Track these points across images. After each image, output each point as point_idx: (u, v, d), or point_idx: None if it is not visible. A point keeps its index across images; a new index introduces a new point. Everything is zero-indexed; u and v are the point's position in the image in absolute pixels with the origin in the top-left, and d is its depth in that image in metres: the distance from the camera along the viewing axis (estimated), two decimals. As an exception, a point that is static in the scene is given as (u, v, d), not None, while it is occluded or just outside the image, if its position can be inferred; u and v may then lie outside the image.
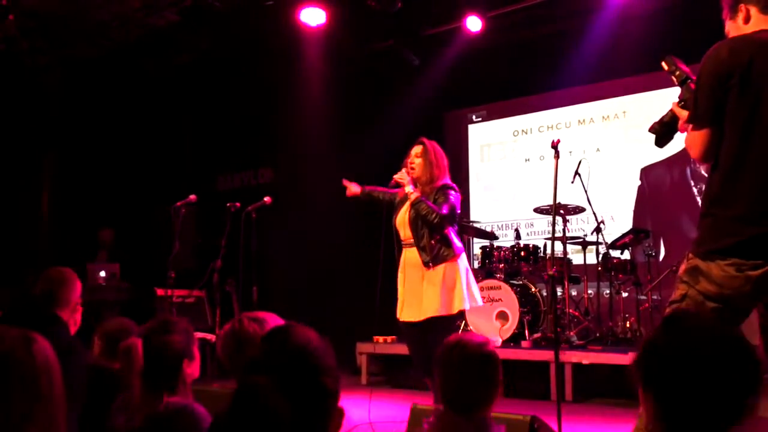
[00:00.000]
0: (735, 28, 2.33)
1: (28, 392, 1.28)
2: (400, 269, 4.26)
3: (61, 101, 8.35)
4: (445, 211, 4.01)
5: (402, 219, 4.21)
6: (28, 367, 1.29)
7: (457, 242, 4.15)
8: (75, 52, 7.83)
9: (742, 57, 2.16)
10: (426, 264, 4.04)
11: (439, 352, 2.11)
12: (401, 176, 4.16)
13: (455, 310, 4.06)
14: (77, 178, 8.45)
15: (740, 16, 2.30)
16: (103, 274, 7.21)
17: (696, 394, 1.27)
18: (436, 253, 4.04)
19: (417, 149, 4.23)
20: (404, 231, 4.19)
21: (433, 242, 4.05)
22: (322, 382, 1.29)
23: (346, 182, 4.48)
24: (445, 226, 4.05)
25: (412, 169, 4.17)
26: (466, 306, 4.09)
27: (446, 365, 2.06)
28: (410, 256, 4.16)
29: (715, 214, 2.24)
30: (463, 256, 4.18)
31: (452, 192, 4.11)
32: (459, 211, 4.22)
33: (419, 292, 4.06)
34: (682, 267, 2.30)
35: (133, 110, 8.66)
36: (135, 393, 1.84)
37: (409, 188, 4.12)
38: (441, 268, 4.02)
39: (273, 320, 1.96)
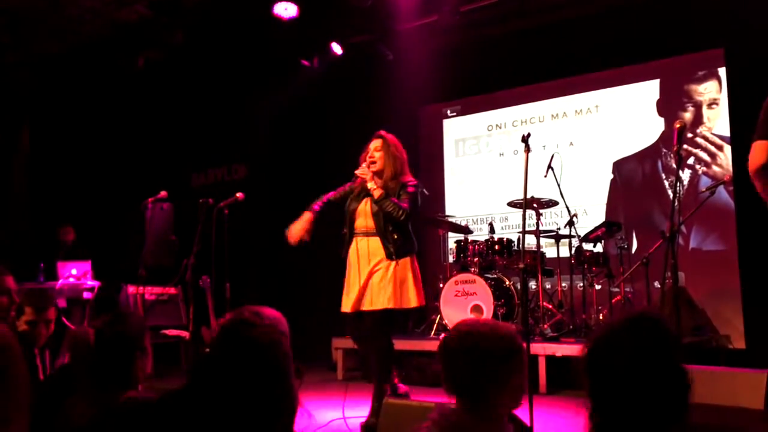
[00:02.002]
0: None
1: None
2: (349, 258, 4.21)
3: (30, 99, 8.21)
4: (406, 205, 4.04)
5: (363, 209, 4.18)
6: None
7: (414, 239, 4.20)
8: (44, 48, 7.71)
9: None
10: (389, 256, 4.05)
11: (454, 341, 1.75)
12: (363, 172, 4.17)
13: (408, 305, 4.10)
14: (49, 177, 8.33)
15: None
16: (75, 272, 7.11)
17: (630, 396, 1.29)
18: (400, 247, 4.08)
19: (376, 143, 4.21)
20: (364, 221, 4.17)
21: (395, 236, 4.07)
22: (282, 367, 1.31)
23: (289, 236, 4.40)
24: (408, 222, 4.10)
25: (373, 163, 4.17)
26: (416, 303, 4.11)
27: (464, 356, 1.70)
28: (363, 245, 4.14)
29: None
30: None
31: (414, 188, 4.14)
32: (419, 205, 4.22)
33: (367, 282, 4.07)
34: None
35: (104, 107, 8.55)
36: (86, 384, 1.82)
37: (371, 184, 4.12)
38: (402, 261, 4.07)
39: (272, 312, 1.94)
